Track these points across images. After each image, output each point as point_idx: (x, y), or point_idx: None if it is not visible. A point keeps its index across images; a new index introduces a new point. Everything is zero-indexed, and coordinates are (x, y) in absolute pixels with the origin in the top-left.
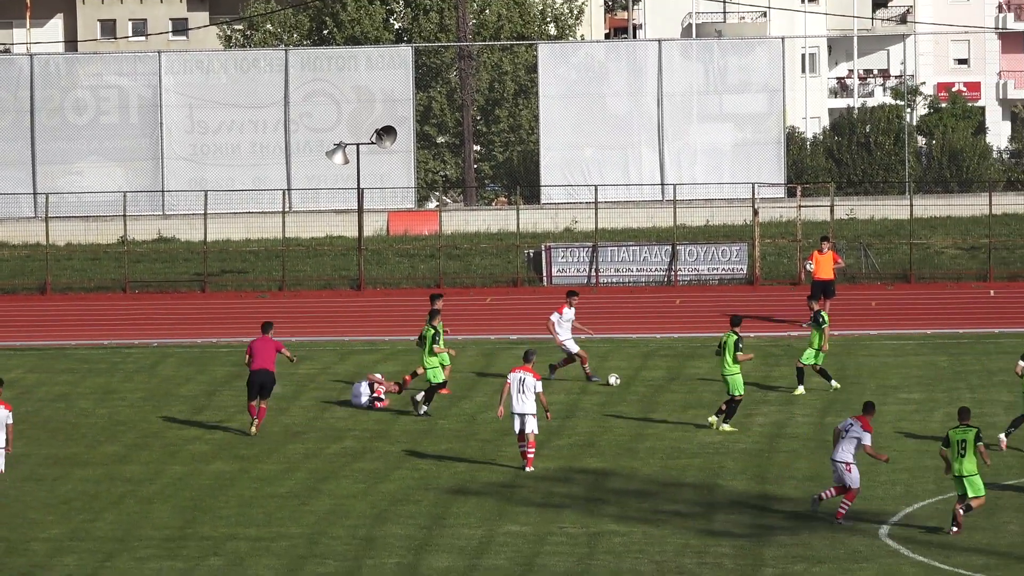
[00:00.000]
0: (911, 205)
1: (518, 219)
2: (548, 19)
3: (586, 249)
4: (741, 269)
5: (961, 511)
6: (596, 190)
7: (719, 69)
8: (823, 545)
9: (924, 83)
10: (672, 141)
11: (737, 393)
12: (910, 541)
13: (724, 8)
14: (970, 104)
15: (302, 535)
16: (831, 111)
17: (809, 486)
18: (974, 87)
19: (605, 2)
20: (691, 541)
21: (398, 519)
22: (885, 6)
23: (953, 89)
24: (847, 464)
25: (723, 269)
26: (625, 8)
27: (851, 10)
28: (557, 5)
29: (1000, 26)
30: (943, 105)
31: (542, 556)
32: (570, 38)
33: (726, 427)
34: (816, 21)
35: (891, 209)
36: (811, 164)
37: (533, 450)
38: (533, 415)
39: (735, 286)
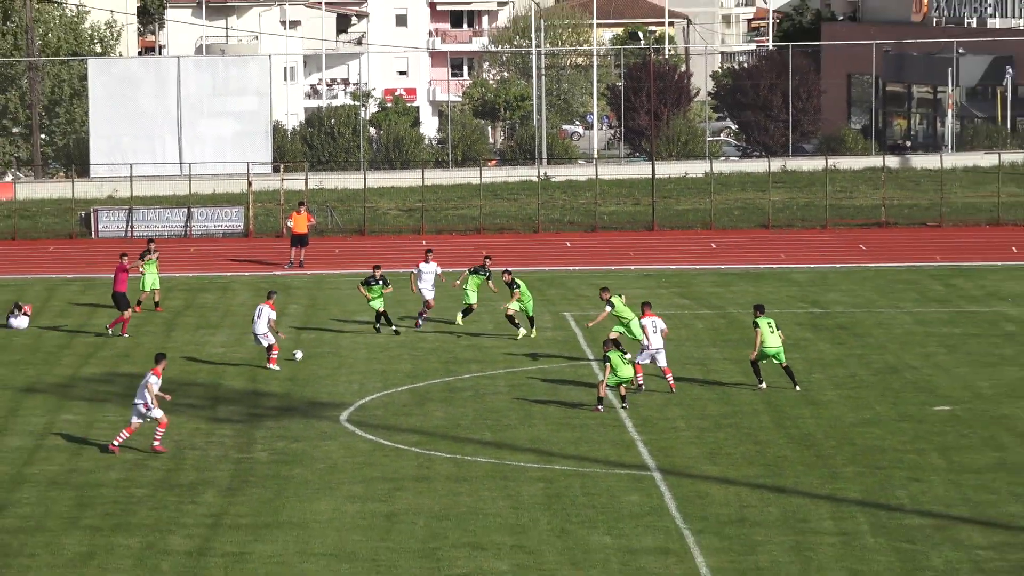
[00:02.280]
0: (364, 178)
1: (73, 189)
2: (95, 40)
3: (124, 211)
4: (239, 225)
5: None
6: (131, 167)
7: (223, 78)
8: (299, 427)
9: (375, 88)
10: (188, 131)
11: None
12: (363, 424)
13: (227, 33)
14: (408, 104)
15: None
16: (306, 109)
17: (288, 385)
18: (412, 92)
19: (138, 27)
20: (201, 426)
21: None
22: (346, 32)
23: (396, 93)
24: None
25: (226, 225)
26: (153, 32)
27: (320, 34)
28: (102, 30)
29: (430, 47)
30: (389, 105)
31: (91, 436)
32: (111, 55)
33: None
34: (295, 42)
35: (351, 181)
36: (291, 148)
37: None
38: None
39: (235, 238)
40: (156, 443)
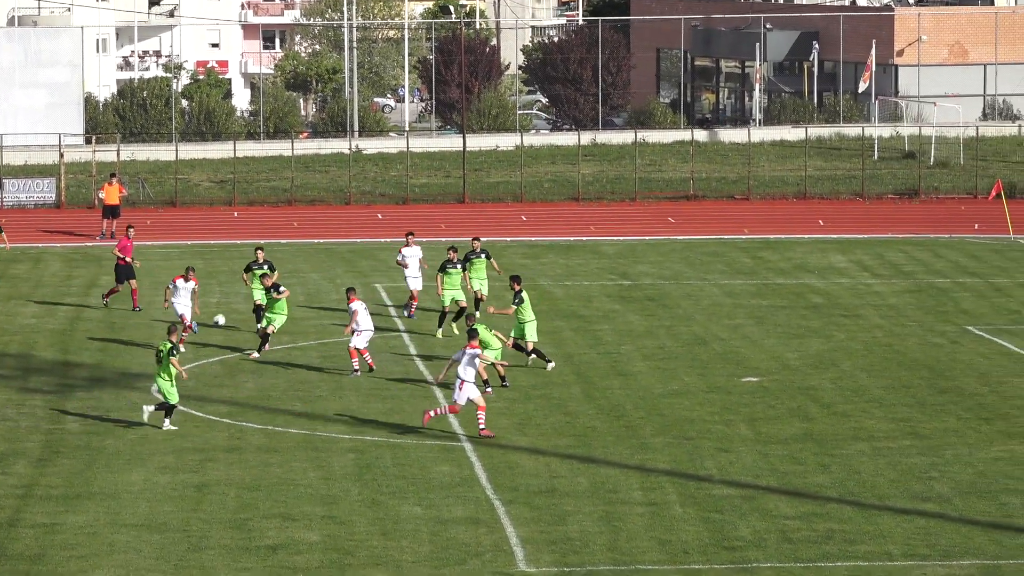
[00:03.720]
0: (176, 150)
1: None
2: None
3: None
4: (51, 197)
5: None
6: None
7: (35, 50)
8: (110, 398)
9: (187, 60)
10: (0, 102)
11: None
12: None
13: (39, 4)
14: (221, 76)
15: None
16: (118, 81)
17: (100, 356)
18: (224, 64)
19: None
20: (12, 396)
21: None
22: (158, 3)
23: (208, 65)
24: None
25: (38, 197)
26: None
27: (133, 6)
28: None
29: (242, 20)
30: (201, 77)
31: None
32: None
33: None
34: (107, 14)
35: (162, 153)
36: (103, 120)
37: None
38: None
39: (47, 209)
40: None
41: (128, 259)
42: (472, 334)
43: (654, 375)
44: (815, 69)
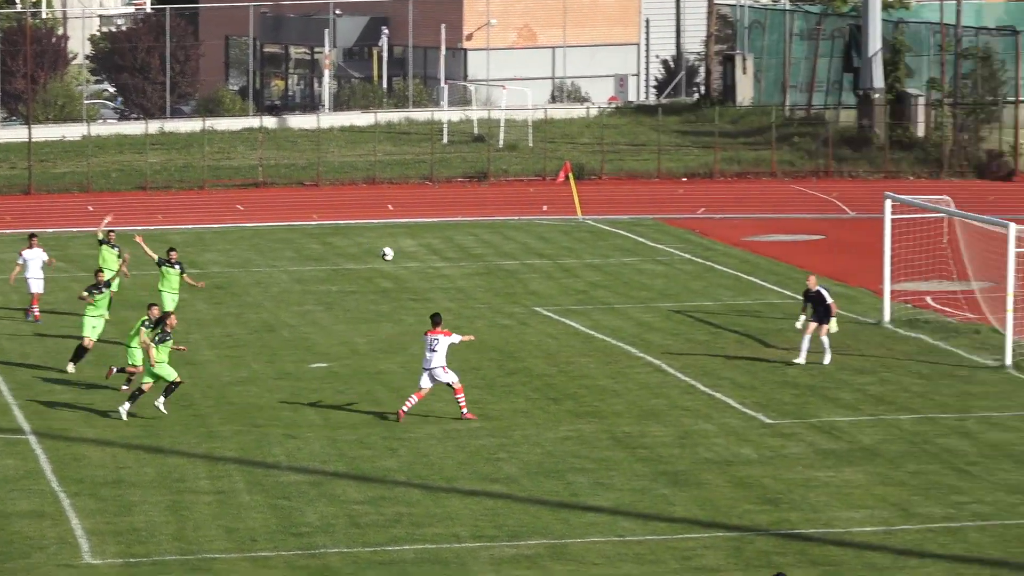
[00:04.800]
0: None
1: None
2: None
3: None
4: None
5: None
6: None
7: None
8: None
9: None
10: None
11: None
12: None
13: None
14: None
15: None
16: None
17: None
18: None
19: None
20: None
21: None
22: None
23: None
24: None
25: None
26: None
27: None
28: None
29: None
30: None
31: None
32: None
33: None
34: None
35: None
36: None
37: None
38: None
39: None
40: None
41: None
42: (435, 320)
43: (222, 363)
44: (384, 54)
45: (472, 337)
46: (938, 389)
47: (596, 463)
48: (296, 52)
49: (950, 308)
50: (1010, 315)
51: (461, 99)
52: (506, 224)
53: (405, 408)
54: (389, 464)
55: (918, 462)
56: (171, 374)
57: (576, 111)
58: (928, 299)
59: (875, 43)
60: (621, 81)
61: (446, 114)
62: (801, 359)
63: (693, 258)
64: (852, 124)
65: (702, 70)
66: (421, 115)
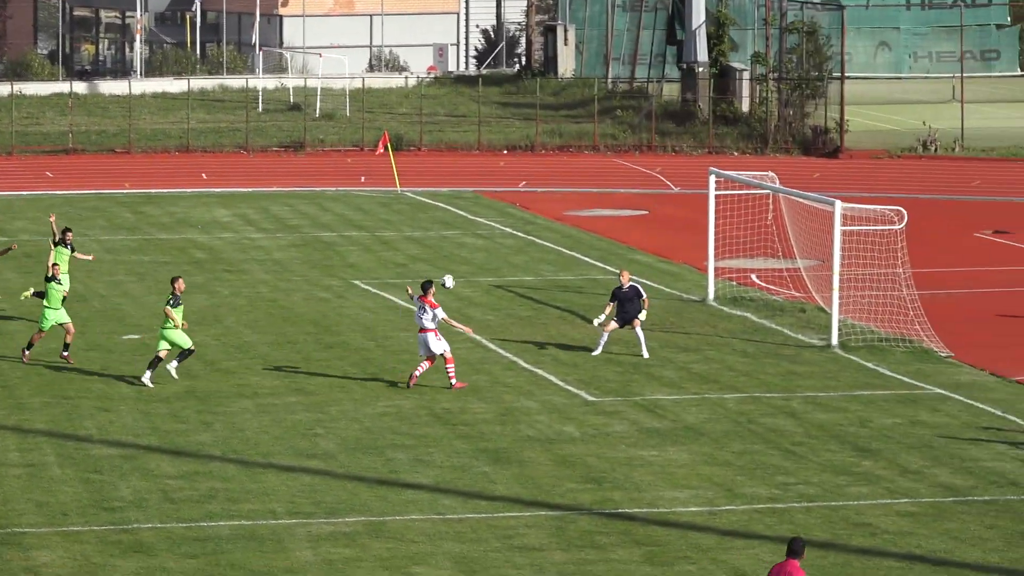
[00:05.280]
0: None
1: None
2: None
3: None
4: None
5: None
6: None
7: None
8: None
9: None
10: None
11: None
12: None
13: None
14: None
15: None
16: None
17: None
18: None
19: None
20: None
21: None
22: None
23: None
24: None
25: None
26: None
27: None
28: None
29: None
30: None
31: None
32: None
33: None
34: None
35: None
36: None
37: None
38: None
39: None
40: None
41: None
42: (426, 287)
43: (31, 333)
44: (197, 20)
45: (469, 330)
46: (763, 368)
47: (416, 439)
48: (107, 16)
49: (775, 286)
50: (836, 294)
51: (276, 66)
52: (323, 195)
53: (417, 373)
54: (203, 438)
55: (743, 442)
56: (186, 341)
57: (395, 80)
58: (753, 276)
59: (699, 16)
60: (440, 51)
61: (261, 82)
62: (598, 352)
63: (514, 232)
64: (676, 98)
65: (523, 40)
66: (236, 82)
